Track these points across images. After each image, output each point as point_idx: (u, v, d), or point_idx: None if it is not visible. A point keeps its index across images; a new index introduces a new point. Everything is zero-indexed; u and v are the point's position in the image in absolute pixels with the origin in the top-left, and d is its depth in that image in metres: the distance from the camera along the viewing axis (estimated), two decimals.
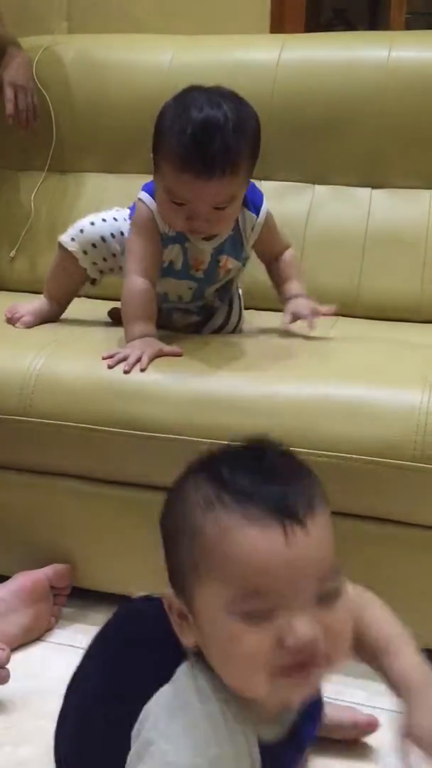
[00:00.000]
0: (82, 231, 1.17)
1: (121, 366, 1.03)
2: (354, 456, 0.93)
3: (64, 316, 1.29)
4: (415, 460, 0.91)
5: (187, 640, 0.62)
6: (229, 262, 1.15)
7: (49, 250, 1.57)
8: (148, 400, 1.01)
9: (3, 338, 1.18)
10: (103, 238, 1.17)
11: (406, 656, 0.66)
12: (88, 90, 1.59)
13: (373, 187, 1.43)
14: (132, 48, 1.61)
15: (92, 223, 1.17)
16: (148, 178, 1.56)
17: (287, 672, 0.55)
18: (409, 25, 1.63)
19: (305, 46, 1.50)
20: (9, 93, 1.52)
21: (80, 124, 1.60)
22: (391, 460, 0.92)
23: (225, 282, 1.20)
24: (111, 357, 1.05)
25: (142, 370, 1.02)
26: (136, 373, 1.03)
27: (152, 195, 1.09)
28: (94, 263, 1.18)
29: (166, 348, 1.07)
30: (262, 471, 0.59)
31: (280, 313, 1.21)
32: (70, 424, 1.03)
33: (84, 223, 1.18)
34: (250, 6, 1.66)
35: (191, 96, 1.00)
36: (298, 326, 1.16)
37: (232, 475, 0.59)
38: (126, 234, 1.16)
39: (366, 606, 0.69)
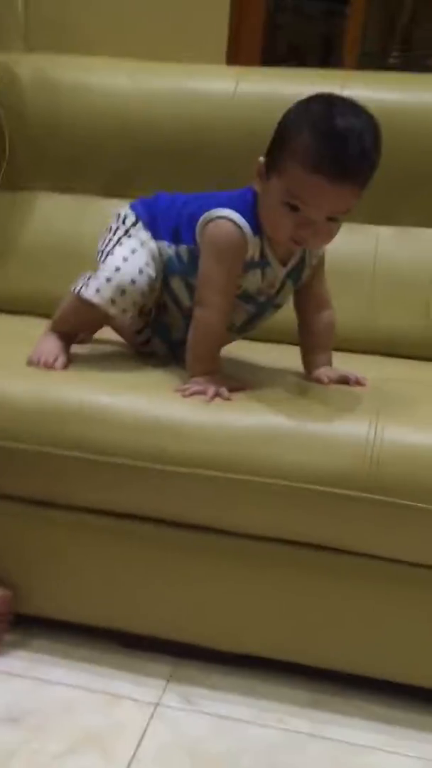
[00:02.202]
0: (108, 280, 1.07)
1: (93, 388, 1.03)
2: (306, 485, 0.95)
3: (10, 333, 1.28)
4: (366, 491, 0.94)
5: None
6: (288, 289, 1.13)
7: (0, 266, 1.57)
8: (98, 423, 1.00)
9: None
10: (133, 281, 1.07)
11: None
12: (42, 109, 1.59)
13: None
14: (88, 70, 1.62)
15: (118, 269, 1.07)
16: (100, 200, 1.61)
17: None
18: (361, 66, 1.68)
19: (261, 80, 1.53)
20: None
21: (33, 143, 1.59)
22: (344, 491, 0.94)
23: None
24: (184, 390, 1.03)
25: (230, 401, 1.02)
26: (90, 396, 1.02)
27: (241, 213, 1.03)
28: (124, 310, 1.08)
29: (233, 383, 1.06)
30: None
31: (264, 344, 1.24)
32: (18, 446, 1.02)
33: (108, 270, 1.07)
34: (206, 36, 1.69)
35: (330, 100, 0.98)
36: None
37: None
38: (148, 263, 1.09)
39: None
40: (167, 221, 1.13)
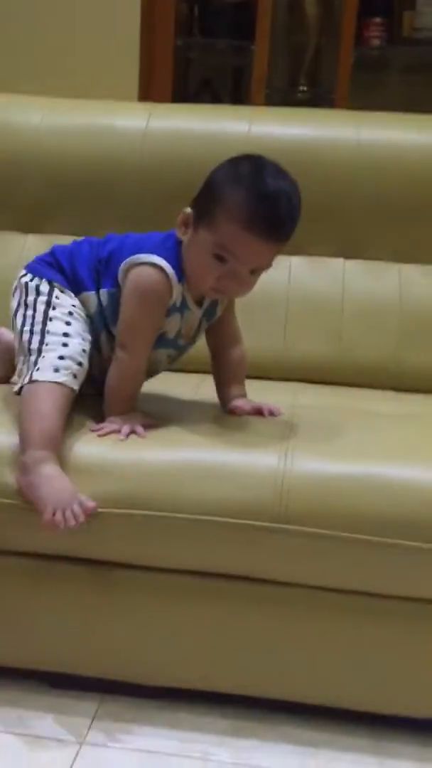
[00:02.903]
0: (62, 357, 1.02)
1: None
2: (218, 518, 0.97)
3: None
4: (275, 521, 0.96)
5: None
6: (203, 327, 1.15)
7: None
8: (8, 464, 1.00)
9: None
10: (83, 350, 1.05)
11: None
12: None
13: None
14: (3, 107, 1.62)
15: (65, 345, 1.03)
16: (17, 236, 1.60)
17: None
18: (269, 100, 1.74)
19: (171, 116, 1.57)
20: None
21: None
22: (255, 522, 0.96)
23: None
24: (99, 429, 1.04)
25: (143, 438, 1.03)
26: (5, 438, 1.02)
27: (165, 259, 1.05)
28: (81, 382, 1.04)
29: (147, 421, 1.07)
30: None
31: (179, 374, 1.26)
32: None
33: (57, 348, 1.02)
34: (119, 73, 1.72)
35: (259, 162, 1.02)
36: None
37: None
38: (85, 329, 1.07)
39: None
40: (86, 267, 1.12)
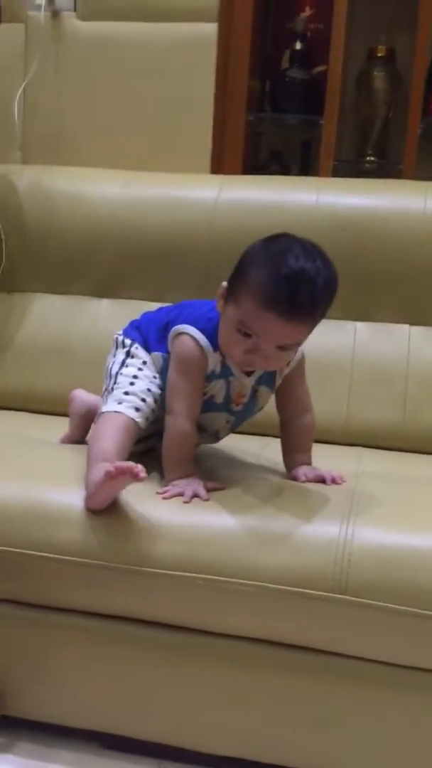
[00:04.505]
0: (127, 393, 1.13)
1: (72, 489, 1.05)
2: (275, 586, 0.97)
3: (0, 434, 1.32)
4: (332, 591, 0.96)
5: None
6: (264, 393, 1.18)
7: None
8: (79, 526, 1.03)
9: None
10: (148, 389, 1.15)
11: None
12: (38, 216, 1.68)
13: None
14: (82, 180, 1.72)
15: (132, 383, 1.15)
16: (91, 300, 1.68)
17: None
18: (336, 171, 1.78)
19: (241, 187, 1.63)
20: None
21: (29, 248, 1.68)
22: (311, 591, 0.96)
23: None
24: (164, 492, 1.07)
25: (207, 500, 1.05)
26: (68, 498, 1.05)
27: (202, 330, 1.11)
28: (147, 418, 1.13)
29: (210, 484, 1.10)
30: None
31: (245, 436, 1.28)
32: (2, 548, 1.04)
33: (124, 386, 1.14)
34: (192, 148, 1.80)
35: (288, 242, 1.04)
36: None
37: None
38: (156, 375, 1.17)
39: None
40: (155, 330, 1.21)
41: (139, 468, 0.96)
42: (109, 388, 1.17)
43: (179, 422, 1.12)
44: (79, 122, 1.86)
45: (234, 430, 1.24)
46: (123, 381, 1.16)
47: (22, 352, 1.64)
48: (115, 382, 1.17)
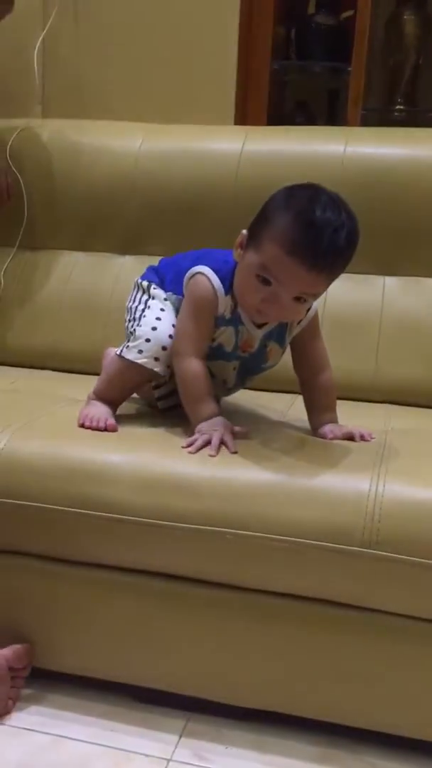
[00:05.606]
0: (148, 340, 1.14)
1: (104, 446, 1.07)
2: (305, 540, 0.96)
3: (30, 392, 1.32)
4: (363, 546, 0.95)
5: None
6: (273, 350, 1.18)
7: (18, 325, 1.63)
8: (111, 482, 1.03)
9: None
10: (170, 336, 1.15)
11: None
12: (60, 171, 1.66)
13: None
14: (104, 133, 1.69)
15: (154, 328, 1.15)
16: (115, 257, 1.66)
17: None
18: (365, 120, 1.73)
19: (266, 138, 1.59)
20: None
21: (52, 204, 1.66)
22: (342, 546, 0.95)
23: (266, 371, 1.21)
24: (191, 445, 1.07)
25: (235, 453, 1.05)
26: (101, 455, 1.06)
27: (216, 271, 1.11)
28: (168, 366, 1.15)
29: (236, 428, 1.10)
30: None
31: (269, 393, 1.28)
32: (32, 504, 1.05)
33: (146, 332, 1.15)
34: (216, 98, 1.76)
35: (314, 191, 1.03)
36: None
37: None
38: (171, 309, 1.17)
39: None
40: (173, 273, 1.21)
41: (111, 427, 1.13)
42: (132, 328, 1.18)
43: (186, 362, 1.12)
44: (100, 74, 1.82)
45: (244, 382, 1.23)
46: (146, 325, 1.16)
47: (48, 311, 1.63)
48: (138, 324, 1.17)
